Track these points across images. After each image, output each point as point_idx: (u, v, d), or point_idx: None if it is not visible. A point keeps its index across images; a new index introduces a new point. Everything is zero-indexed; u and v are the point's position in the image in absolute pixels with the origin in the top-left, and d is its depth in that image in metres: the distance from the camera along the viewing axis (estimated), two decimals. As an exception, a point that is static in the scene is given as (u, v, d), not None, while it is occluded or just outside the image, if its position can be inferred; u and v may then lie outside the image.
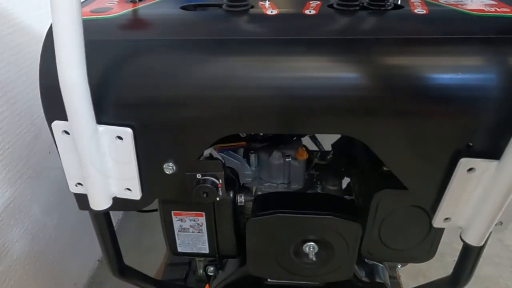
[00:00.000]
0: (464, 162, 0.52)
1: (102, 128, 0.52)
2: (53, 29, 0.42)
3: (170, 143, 0.55)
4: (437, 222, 0.58)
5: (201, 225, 0.75)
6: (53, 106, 0.51)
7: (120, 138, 0.53)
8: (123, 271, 0.77)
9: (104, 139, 0.53)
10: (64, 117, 0.50)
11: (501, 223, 0.57)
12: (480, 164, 0.52)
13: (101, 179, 0.55)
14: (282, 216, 0.69)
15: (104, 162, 0.54)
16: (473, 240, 0.57)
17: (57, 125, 0.53)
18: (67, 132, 0.53)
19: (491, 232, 0.57)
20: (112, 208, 0.60)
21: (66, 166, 0.57)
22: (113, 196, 0.59)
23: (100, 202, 0.57)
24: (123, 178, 0.57)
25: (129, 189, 0.58)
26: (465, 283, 0.72)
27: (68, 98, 0.47)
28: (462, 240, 0.58)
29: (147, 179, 0.58)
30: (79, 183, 0.58)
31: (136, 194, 0.59)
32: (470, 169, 0.52)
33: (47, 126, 0.55)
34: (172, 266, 1.10)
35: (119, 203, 0.60)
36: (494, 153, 0.51)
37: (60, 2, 0.41)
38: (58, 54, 0.44)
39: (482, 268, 1.56)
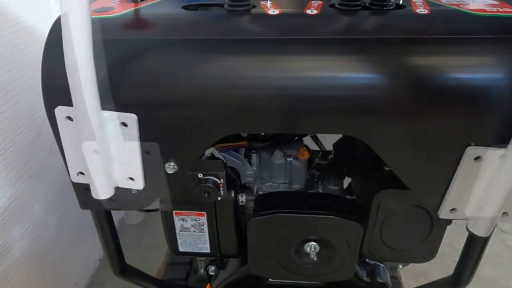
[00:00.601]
0: (471, 151, 0.51)
1: (107, 113, 0.51)
2: (61, 10, 0.42)
3: (172, 143, 0.55)
4: (443, 213, 0.57)
5: (203, 225, 0.75)
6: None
7: (124, 124, 0.53)
8: (124, 270, 0.77)
9: (108, 125, 0.52)
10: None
11: (507, 214, 0.56)
12: (487, 152, 0.51)
13: (104, 167, 0.54)
14: (283, 216, 0.69)
15: (108, 149, 0.53)
16: (479, 230, 0.56)
17: (61, 110, 0.52)
18: (70, 118, 0.52)
19: (495, 227, 0.57)
20: (114, 207, 0.60)
21: (67, 154, 0.56)
22: (116, 185, 0.58)
23: (102, 191, 0.56)
24: (126, 166, 0.56)
25: (132, 179, 0.57)
26: (466, 283, 0.72)
27: (74, 80, 0.46)
28: (468, 230, 0.58)
29: (149, 179, 0.58)
30: (81, 172, 0.57)
31: (139, 183, 0.58)
32: (477, 158, 0.52)
33: (48, 125, 0.55)
34: (173, 265, 1.10)
35: (121, 202, 0.60)
36: (501, 141, 0.50)
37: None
38: (64, 35, 0.43)
39: (483, 268, 1.56)
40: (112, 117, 0.52)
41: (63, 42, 0.44)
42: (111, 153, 0.54)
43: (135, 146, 0.54)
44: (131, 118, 0.52)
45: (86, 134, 0.50)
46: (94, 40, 0.45)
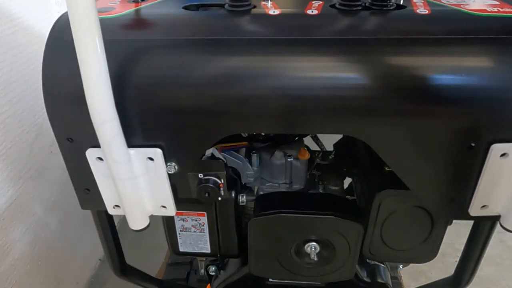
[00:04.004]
0: (496, 148, 0.51)
1: (133, 151, 0.54)
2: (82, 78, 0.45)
3: (173, 143, 0.55)
4: (474, 211, 0.57)
5: (203, 225, 0.75)
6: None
7: (151, 159, 0.55)
8: (125, 270, 0.78)
9: (136, 162, 0.55)
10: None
11: None
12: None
13: (137, 200, 0.57)
14: (284, 216, 0.69)
15: (138, 183, 0.56)
16: None
17: (91, 152, 0.54)
18: (101, 159, 0.54)
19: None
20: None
21: (102, 190, 0.58)
22: (150, 214, 0.60)
23: (138, 222, 0.59)
24: (158, 197, 0.59)
25: (164, 206, 0.60)
26: (467, 284, 0.72)
27: (101, 131, 0.48)
28: (502, 227, 0.57)
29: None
30: (117, 205, 0.59)
31: (171, 210, 0.60)
32: (503, 155, 0.51)
33: (49, 125, 0.55)
34: (174, 265, 1.10)
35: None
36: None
37: (87, 54, 0.44)
38: (88, 95, 0.46)
39: (484, 268, 1.56)
40: (139, 154, 0.55)
41: (87, 100, 0.46)
42: (141, 187, 0.57)
43: (164, 177, 0.57)
44: (156, 153, 0.55)
45: (116, 173, 0.53)
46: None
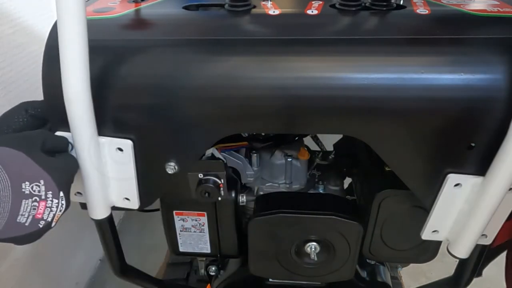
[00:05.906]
0: (451, 178, 0.53)
1: (103, 139, 0.54)
2: (60, 49, 0.45)
3: (172, 143, 0.55)
4: (426, 234, 0.60)
5: (203, 225, 0.75)
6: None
7: (120, 149, 0.55)
8: (125, 270, 0.77)
9: (105, 150, 0.54)
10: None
11: (486, 236, 0.58)
12: (466, 180, 0.53)
13: (100, 189, 0.56)
14: (284, 216, 0.69)
15: (104, 172, 0.56)
16: (459, 252, 0.58)
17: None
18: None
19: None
20: (114, 207, 0.60)
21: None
22: (112, 205, 0.60)
23: (98, 211, 0.58)
24: (122, 188, 0.58)
25: (127, 199, 0.59)
26: (467, 284, 0.72)
27: (71, 110, 0.48)
28: (449, 252, 0.59)
29: (148, 179, 0.58)
30: (79, 192, 0.59)
31: (134, 204, 0.60)
32: (456, 185, 0.54)
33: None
34: (174, 265, 1.10)
35: (121, 203, 0.60)
36: (480, 170, 0.52)
37: (66, 25, 0.44)
38: (63, 69, 0.46)
39: (484, 268, 1.56)
40: (109, 142, 0.54)
41: (62, 75, 0.46)
42: (107, 176, 0.56)
43: (131, 170, 0.56)
44: (127, 144, 0.54)
45: (83, 158, 0.52)
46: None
